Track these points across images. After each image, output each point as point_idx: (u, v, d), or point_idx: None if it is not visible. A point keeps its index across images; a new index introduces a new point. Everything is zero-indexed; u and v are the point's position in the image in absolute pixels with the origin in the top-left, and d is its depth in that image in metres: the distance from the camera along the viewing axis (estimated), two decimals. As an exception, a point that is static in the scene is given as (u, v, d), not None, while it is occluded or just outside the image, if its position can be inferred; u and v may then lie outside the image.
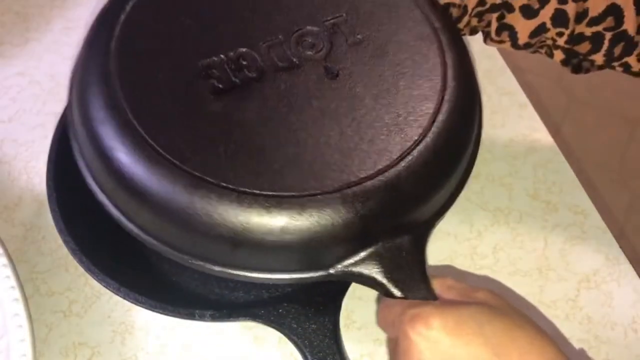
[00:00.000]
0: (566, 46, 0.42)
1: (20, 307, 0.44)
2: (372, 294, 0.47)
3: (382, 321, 0.35)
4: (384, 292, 0.36)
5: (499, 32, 0.43)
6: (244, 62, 0.41)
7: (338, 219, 0.36)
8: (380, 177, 0.37)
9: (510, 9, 0.42)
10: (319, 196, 0.36)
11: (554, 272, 0.47)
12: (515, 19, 0.42)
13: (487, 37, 0.45)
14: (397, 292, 0.36)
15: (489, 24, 0.44)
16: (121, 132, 0.37)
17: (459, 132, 0.41)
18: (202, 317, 0.41)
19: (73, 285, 0.48)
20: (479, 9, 0.43)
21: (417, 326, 0.31)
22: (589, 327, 0.45)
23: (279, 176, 0.37)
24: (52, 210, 0.45)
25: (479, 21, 0.44)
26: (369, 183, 0.37)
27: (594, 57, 0.41)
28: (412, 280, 0.36)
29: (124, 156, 0.37)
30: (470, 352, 0.30)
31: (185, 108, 0.39)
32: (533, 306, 0.46)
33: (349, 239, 0.37)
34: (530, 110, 0.56)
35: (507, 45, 0.44)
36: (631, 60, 0.41)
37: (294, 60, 0.42)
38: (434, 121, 0.39)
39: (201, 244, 0.38)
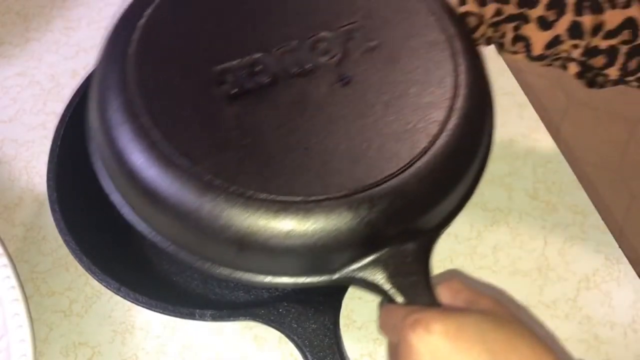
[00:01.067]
0: (581, 59, 0.41)
1: (20, 307, 0.44)
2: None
3: (383, 325, 0.35)
4: (387, 299, 0.36)
5: (514, 42, 0.43)
6: (258, 68, 0.41)
7: (343, 225, 0.36)
8: (387, 184, 0.37)
9: (526, 20, 0.41)
10: (325, 202, 0.36)
11: (554, 272, 0.47)
12: (531, 30, 0.42)
13: (501, 48, 0.45)
14: (400, 299, 0.36)
15: (504, 35, 0.43)
16: (135, 135, 0.38)
17: (468, 141, 0.40)
18: (202, 317, 0.41)
19: (73, 285, 0.48)
20: (496, 19, 0.43)
21: (418, 330, 0.31)
22: (588, 327, 0.45)
23: (287, 181, 0.37)
24: (53, 210, 0.45)
25: (494, 31, 0.44)
26: (375, 190, 0.37)
27: (608, 71, 0.41)
28: (415, 288, 0.36)
29: (137, 158, 0.37)
30: (470, 359, 0.30)
31: (199, 112, 0.39)
32: (533, 306, 0.46)
33: (354, 244, 0.37)
34: (530, 110, 0.56)
35: (522, 56, 0.43)
36: None
37: (308, 66, 0.42)
38: (442, 130, 0.39)
39: (208, 245, 0.38)
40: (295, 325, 0.41)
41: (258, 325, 0.45)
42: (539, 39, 0.42)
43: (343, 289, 0.42)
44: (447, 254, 0.48)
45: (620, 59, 0.40)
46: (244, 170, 0.37)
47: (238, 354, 0.45)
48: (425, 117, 0.40)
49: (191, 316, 0.41)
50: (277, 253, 0.37)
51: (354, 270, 0.37)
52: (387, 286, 0.36)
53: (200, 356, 0.45)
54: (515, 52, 0.44)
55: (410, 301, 0.35)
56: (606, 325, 0.45)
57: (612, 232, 0.49)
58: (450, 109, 0.40)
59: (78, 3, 0.67)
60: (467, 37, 0.44)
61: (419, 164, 0.38)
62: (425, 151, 0.38)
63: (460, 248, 0.49)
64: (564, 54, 0.42)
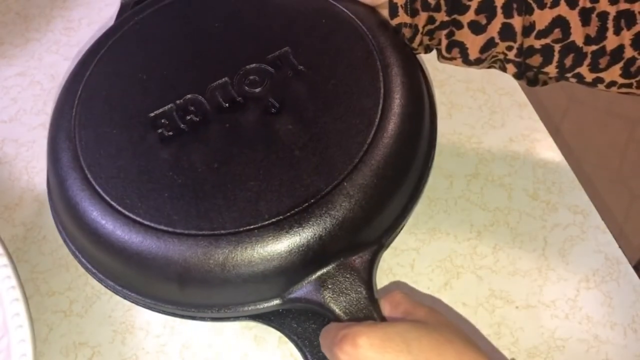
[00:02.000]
0: (517, 59, 0.42)
1: (20, 307, 0.44)
2: (372, 293, 0.47)
3: (323, 345, 0.35)
4: (333, 316, 0.37)
5: (449, 49, 0.43)
6: (192, 108, 0.43)
7: (276, 250, 0.37)
8: (315, 205, 0.38)
9: (458, 25, 0.42)
10: (255, 230, 0.37)
11: (554, 272, 0.47)
12: (465, 35, 0.42)
13: (439, 55, 0.45)
14: (343, 316, 0.36)
15: (439, 42, 0.44)
16: (80, 188, 0.41)
17: (401, 153, 0.41)
18: (202, 317, 0.41)
19: (73, 285, 0.48)
20: (429, 27, 0.43)
21: (344, 346, 0.31)
22: (588, 327, 0.45)
23: (218, 215, 0.38)
24: (52, 209, 0.46)
25: (430, 39, 0.44)
26: (303, 212, 0.37)
27: (546, 69, 0.42)
28: (358, 303, 0.37)
29: (83, 208, 0.40)
30: None
31: (137, 159, 0.42)
32: (533, 306, 0.46)
33: (290, 268, 0.37)
34: (529, 110, 0.56)
35: (459, 61, 0.44)
36: (583, 70, 0.41)
37: (238, 99, 0.43)
38: (371, 147, 0.40)
39: (153, 284, 0.40)
40: (295, 325, 0.41)
41: (258, 325, 0.45)
42: (473, 43, 0.42)
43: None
44: (447, 253, 0.48)
45: (556, 57, 0.41)
46: (178, 210, 0.39)
47: (238, 353, 0.45)
48: (353, 136, 0.40)
49: (191, 316, 0.41)
50: (216, 286, 0.38)
51: (296, 292, 0.38)
52: (330, 304, 0.37)
53: (200, 356, 0.45)
54: (452, 59, 0.44)
55: (352, 317, 0.36)
56: (606, 325, 0.45)
57: (612, 232, 0.49)
58: (379, 127, 0.40)
59: (78, 3, 0.67)
60: (398, 50, 0.44)
61: (347, 182, 0.38)
62: (354, 168, 0.39)
63: (460, 248, 0.49)
64: (500, 56, 0.43)
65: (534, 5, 0.40)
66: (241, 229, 0.37)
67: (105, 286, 0.42)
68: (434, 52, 0.46)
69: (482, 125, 0.55)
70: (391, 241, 0.41)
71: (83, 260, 0.42)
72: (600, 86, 0.42)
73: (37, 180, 0.54)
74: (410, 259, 0.48)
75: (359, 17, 0.46)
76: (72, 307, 0.48)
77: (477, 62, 0.43)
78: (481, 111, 0.56)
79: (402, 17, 0.43)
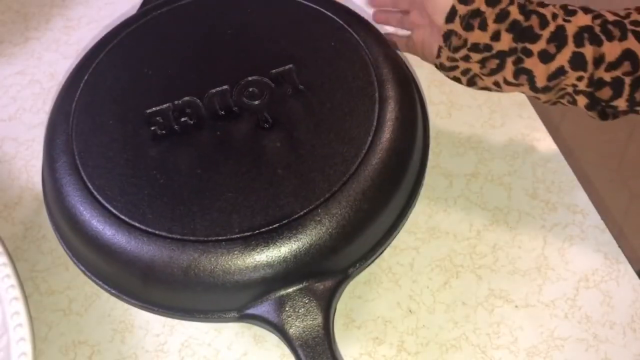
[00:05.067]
0: (588, 90, 0.41)
1: (20, 306, 0.44)
2: (372, 293, 0.47)
3: None
4: (285, 340, 0.37)
5: (516, 75, 0.43)
6: (188, 110, 0.44)
7: (240, 265, 0.37)
8: (285, 228, 0.38)
9: (528, 53, 0.42)
10: (223, 242, 0.38)
11: (553, 272, 0.47)
12: (533, 63, 0.42)
13: (495, 85, 0.45)
14: (295, 341, 0.37)
15: (491, 72, 0.44)
16: (67, 172, 0.42)
17: (381, 190, 0.41)
18: (197, 318, 0.41)
19: (73, 284, 0.48)
20: (485, 54, 0.43)
21: None
22: (587, 327, 0.45)
23: (191, 221, 0.39)
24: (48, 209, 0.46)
25: (481, 67, 0.44)
26: (273, 233, 0.38)
27: (616, 102, 0.41)
28: (312, 330, 0.37)
29: (66, 192, 0.41)
30: None
31: (126, 152, 0.42)
32: (532, 305, 0.46)
33: (252, 284, 0.38)
34: (529, 109, 0.56)
35: (526, 88, 0.44)
36: None
37: (235, 108, 0.44)
38: (354, 175, 0.39)
39: (120, 277, 0.40)
40: (288, 327, 0.41)
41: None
42: (541, 71, 0.42)
43: (335, 291, 0.40)
44: (446, 253, 0.48)
45: (626, 90, 0.40)
46: (153, 208, 0.40)
47: (238, 353, 0.45)
48: (338, 164, 0.40)
49: (190, 317, 0.41)
50: (178, 289, 0.39)
51: (255, 309, 0.38)
52: (284, 326, 0.37)
53: (200, 355, 0.45)
54: (519, 85, 0.44)
55: (304, 344, 0.36)
56: (605, 325, 0.45)
57: (611, 232, 0.49)
58: (364, 159, 0.40)
59: (77, 2, 0.67)
60: (399, 84, 0.44)
61: (320, 210, 0.38)
62: (329, 197, 0.39)
63: (460, 247, 0.49)
64: (570, 88, 0.42)
65: (603, 37, 0.40)
66: (210, 239, 0.38)
67: (79, 269, 0.43)
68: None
69: (481, 124, 0.55)
70: (358, 273, 0.41)
71: (62, 241, 0.44)
72: None
73: (37, 179, 0.54)
74: (410, 258, 0.48)
75: (367, 46, 0.46)
76: (71, 306, 0.48)
77: (545, 90, 0.43)
78: (481, 110, 0.56)
79: (456, 26, 0.43)
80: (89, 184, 0.41)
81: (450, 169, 0.52)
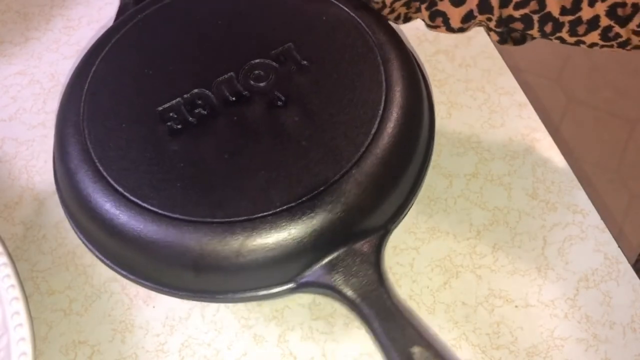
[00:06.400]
0: (498, 29, 0.45)
1: (20, 306, 0.44)
2: (372, 292, 0.47)
3: None
4: (344, 299, 0.38)
5: (432, 18, 0.46)
6: (199, 102, 0.44)
7: (289, 236, 0.38)
8: (325, 192, 0.39)
9: None
10: (268, 217, 0.38)
11: (553, 272, 0.47)
12: (446, 6, 0.45)
13: (425, 24, 0.48)
14: (355, 298, 0.38)
15: (419, 11, 0.47)
16: (92, 180, 0.41)
17: (404, 142, 0.43)
18: (255, 297, 0.42)
19: (73, 283, 0.49)
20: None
21: None
22: (587, 327, 0.45)
23: (232, 203, 0.39)
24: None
25: (407, 9, 0.47)
26: (316, 198, 0.39)
27: (529, 32, 0.44)
28: (368, 285, 0.38)
29: (95, 200, 0.41)
30: None
31: (147, 151, 0.43)
32: (532, 305, 0.46)
33: (303, 253, 0.39)
34: (529, 109, 0.56)
35: (444, 29, 0.46)
36: (563, 35, 0.43)
37: (244, 93, 0.45)
38: (377, 134, 0.41)
39: (169, 273, 0.40)
40: (344, 287, 0.40)
41: (258, 324, 0.46)
42: (454, 13, 0.45)
43: (380, 245, 0.41)
44: (446, 253, 0.48)
45: (536, 25, 0.43)
46: (191, 199, 0.40)
47: (238, 353, 0.45)
48: (359, 126, 0.42)
49: (246, 298, 0.42)
50: (232, 272, 0.39)
51: (309, 277, 0.39)
52: (340, 287, 0.38)
53: (200, 355, 0.45)
54: (437, 27, 0.47)
55: (363, 299, 0.38)
56: (605, 325, 0.45)
57: (611, 232, 0.49)
58: (383, 117, 0.42)
59: (78, 2, 0.67)
60: (397, 46, 0.46)
61: (356, 169, 0.40)
62: (361, 156, 0.40)
63: (459, 247, 0.49)
64: (484, 24, 0.45)
65: None
66: (255, 216, 0.38)
67: (121, 275, 0.42)
68: (432, 48, 0.48)
69: (481, 124, 0.55)
70: (396, 226, 0.43)
71: (95, 250, 0.43)
72: (583, 46, 0.44)
73: (37, 179, 0.54)
74: (410, 258, 0.48)
75: (358, 15, 0.48)
76: (71, 305, 0.48)
77: (461, 31, 0.46)
78: (481, 110, 0.56)
79: None
80: (118, 187, 0.41)
81: (450, 169, 0.53)
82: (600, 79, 1.48)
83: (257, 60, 0.46)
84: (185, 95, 0.45)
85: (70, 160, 0.43)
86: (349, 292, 0.38)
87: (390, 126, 0.42)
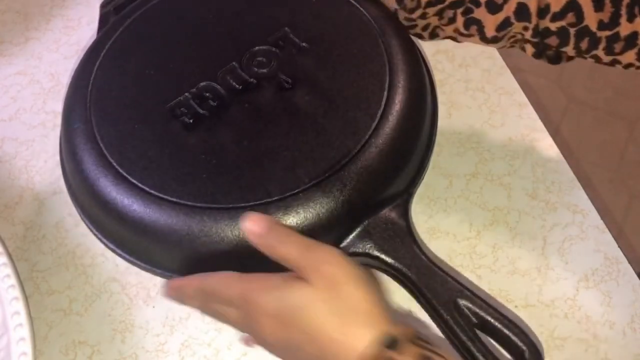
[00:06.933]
0: (533, 40, 0.44)
1: (20, 306, 0.44)
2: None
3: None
4: (381, 264, 0.40)
5: (467, 26, 0.45)
6: (207, 94, 0.45)
7: (322, 209, 0.39)
8: (352, 163, 0.41)
9: (476, 3, 0.44)
10: (300, 194, 0.39)
11: (553, 272, 0.47)
12: (481, 14, 0.44)
13: (455, 33, 0.47)
14: (392, 261, 0.39)
15: (452, 20, 0.46)
16: (114, 183, 0.41)
17: (414, 105, 0.44)
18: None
19: (73, 283, 0.49)
20: (440, 6, 0.45)
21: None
22: (587, 326, 0.45)
23: (261, 186, 0.40)
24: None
25: (440, 18, 0.46)
26: (342, 170, 0.40)
27: (564, 49, 0.43)
28: (403, 247, 0.40)
29: (122, 202, 0.41)
30: None
31: (165, 148, 0.43)
32: (532, 305, 0.46)
33: (336, 224, 0.40)
34: (529, 110, 0.56)
35: (477, 39, 0.46)
36: (599, 53, 0.42)
37: (251, 80, 0.45)
38: (388, 102, 0.43)
39: (208, 263, 0.40)
40: (380, 251, 0.41)
41: (257, 324, 0.45)
42: (489, 21, 0.44)
43: (407, 208, 0.43)
44: (446, 253, 0.48)
45: (572, 40, 0.42)
46: (220, 187, 0.40)
47: (238, 353, 0.45)
48: (369, 97, 0.44)
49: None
50: None
51: (344, 247, 0.40)
52: (376, 253, 0.40)
53: (200, 355, 0.45)
54: (470, 35, 0.46)
55: (400, 261, 0.39)
56: (605, 325, 0.45)
57: (611, 232, 0.49)
58: (391, 85, 0.44)
59: (78, 2, 0.67)
60: (391, 19, 0.48)
61: (373, 139, 0.41)
62: (376, 126, 0.42)
63: (460, 247, 0.49)
64: (519, 36, 0.44)
65: None
66: (286, 195, 0.39)
67: (154, 274, 0.43)
68: (432, 48, 0.47)
69: (481, 124, 0.55)
70: (416, 189, 0.44)
71: (124, 254, 0.43)
72: (618, 66, 0.43)
73: (37, 179, 0.54)
74: (410, 258, 0.48)
75: None
76: (71, 305, 0.48)
77: (495, 41, 0.45)
78: (481, 111, 0.56)
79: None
80: (144, 187, 0.41)
81: (450, 169, 0.53)
82: (600, 79, 1.48)
83: (256, 48, 0.47)
84: (192, 90, 0.45)
85: (87, 168, 0.43)
86: (385, 256, 0.39)
87: (400, 92, 0.44)
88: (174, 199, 0.40)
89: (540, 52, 0.45)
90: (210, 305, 0.38)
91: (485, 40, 0.45)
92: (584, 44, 0.42)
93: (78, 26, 0.65)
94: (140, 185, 0.41)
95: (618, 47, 0.41)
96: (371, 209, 0.41)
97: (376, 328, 0.32)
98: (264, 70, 0.46)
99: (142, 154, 0.42)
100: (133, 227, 0.41)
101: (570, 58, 0.45)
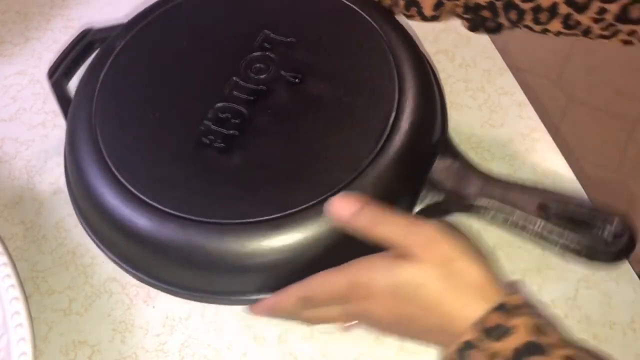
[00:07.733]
0: (466, 16, 0.47)
1: (20, 306, 0.44)
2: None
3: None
4: (464, 201, 0.43)
5: (407, 8, 0.48)
6: (225, 115, 0.44)
7: (391, 175, 0.41)
8: (398, 119, 0.42)
9: None
10: (367, 170, 0.40)
11: (553, 272, 0.47)
12: None
13: (402, 13, 0.50)
14: (472, 191, 0.42)
15: (393, 2, 0.49)
16: (163, 224, 0.39)
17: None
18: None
19: (73, 283, 0.49)
20: None
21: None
22: (587, 327, 0.45)
23: (325, 175, 0.40)
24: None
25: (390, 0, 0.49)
26: (392, 133, 0.42)
27: (499, 20, 0.46)
28: (470, 178, 0.43)
29: (171, 237, 0.39)
30: None
31: (210, 178, 0.41)
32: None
33: (403, 190, 0.42)
34: (529, 109, 0.56)
35: (418, 18, 0.48)
36: (529, 23, 0.44)
37: (260, 87, 0.45)
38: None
39: (239, 279, 0.40)
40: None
41: (258, 324, 0.46)
42: (426, 3, 0.47)
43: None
44: (446, 253, 0.48)
45: (502, 13, 0.44)
46: (267, 197, 0.40)
47: (238, 353, 0.45)
48: (378, 65, 0.45)
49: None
50: (308, 265, 0.39)
51: (423, 205, 0.43)
52: (453, 192, 0.43)
53: (200, 355, 0.45)
54: (411, 16, 0.49)
55: (477, 190, 0.43)
56: (605, 325, 0.45)
57: (611, 232, 0.49)
58: (393, 53, 0.46)
59: (78, 2, 0.67)
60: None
61: (403, 103, 0.43)
62: (400, 97, 0.43)
63: (460, 247, 0.49)
64: (455, 12, 0.47)
65: None
66: (353, 177, 0.40)
67: (183, 297, 0.43)
68: (432, 48, 0.48)
69: (481, 124, 0.55)
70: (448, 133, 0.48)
71: (142, 275, 0.43)
72: (550, 34, 0.45)
73: (37, 179, 0.54)
74: (410, 258, 0.48)
75: None
76: (71, 305, 0.48)
77: (434, 19, 0.48)
78: (481, 111, 0.56)
79: None
80: (203, 219, 0.39)
81: (450, 169, 0.52)
82: (600, 79, 1.48)
83: (248, 57, 0.46)
84: (208, 116, 0.43)
85: (111, 202, 0.41)
86: (460, 190, 0.42)
87: (405, 56, 0.45)
88: (220, 221, 0.39)
89: (476, 26, 0.48)
90: (306, 313, 0.39)
91: (426, 19, 0.48)
92: (512, 15, 0.44)
93: (78, 26, 0.65)
94: (171, 212, 0.39)
95: (543, 17, 0.43)
96: (424, 168, 0.43)
97: (490, 299, 0.34)
98: (267, 75, 0.45)
99: (186, 196, 0.40)
100: (156, 251, 0.40)
101: (508, 28, 0.47)
